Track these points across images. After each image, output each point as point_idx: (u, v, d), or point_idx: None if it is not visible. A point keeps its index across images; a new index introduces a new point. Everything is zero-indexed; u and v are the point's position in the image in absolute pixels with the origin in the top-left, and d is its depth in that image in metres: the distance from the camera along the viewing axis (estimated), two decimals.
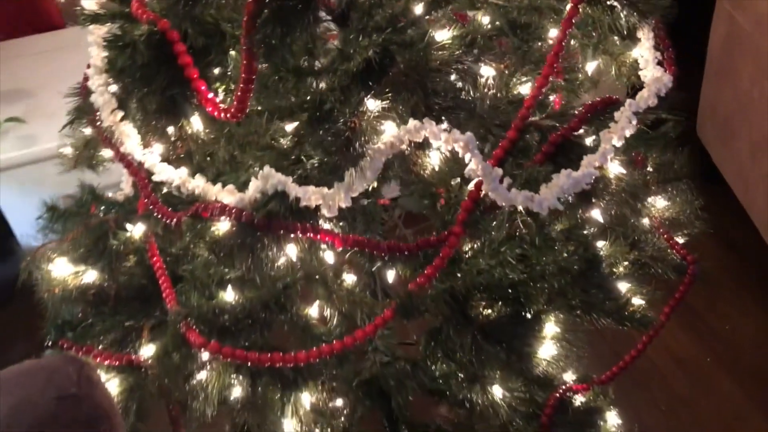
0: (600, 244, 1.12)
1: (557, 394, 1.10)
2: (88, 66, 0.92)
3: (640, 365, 1.60)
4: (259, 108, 0.89)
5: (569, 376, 1.15)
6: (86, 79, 0.99)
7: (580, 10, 0.91)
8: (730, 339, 1.69)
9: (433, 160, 0.83)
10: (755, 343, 1.67)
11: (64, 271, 1.09)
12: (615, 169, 0.98)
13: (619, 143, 0.89)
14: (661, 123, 1.14)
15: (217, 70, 0.86)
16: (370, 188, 0.88)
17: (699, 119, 1.97)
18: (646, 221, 1.16)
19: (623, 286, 1.11)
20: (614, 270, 1.13)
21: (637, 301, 1.10)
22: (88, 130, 1.10)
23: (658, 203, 1.13)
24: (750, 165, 1.69)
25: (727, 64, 1.78)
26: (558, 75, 1.11)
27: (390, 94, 0.74)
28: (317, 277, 1.01)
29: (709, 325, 1.71)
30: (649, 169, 1.16)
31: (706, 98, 1.91)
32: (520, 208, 0.92)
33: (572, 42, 1.10)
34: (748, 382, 1.59)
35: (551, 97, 1.12)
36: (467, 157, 0.74)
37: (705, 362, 1.64)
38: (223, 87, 0.85)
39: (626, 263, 1.14)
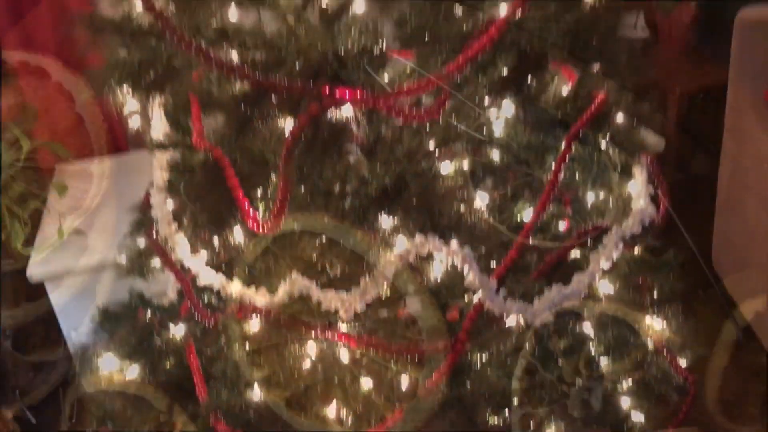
0: (604, 361, 1.19)
1: None
2: (151, 185, 1.08)
3: None
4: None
5: None
6: (147, 196, 1.16)
7: (573, 148, 1.04)
8: None
9: (436, 272, 0.94)
10: None
11: (110, 366, 1.20)
12: (605, 288, 1.08)
13: (606, 265, 1.00)
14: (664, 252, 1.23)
15: (259, 191, 1.01)
16: (388, 299, 1.00)
17: (714, 250, 2.05)
18: (650, 342, 1.23)
19: (625, 402, 1.17)
20: (617, 386, 1.19)
21: (637, 416, 1.16)
22: (141, 242, 1.25)
23: (656, 324, 1.21)
24: (759, 293, 1.76)
25: (734, 198, 1.90)
26: (566, 204, 1.24)
27: (401, 214, 0.87)
28: (336, 380, 1.10)
29: None
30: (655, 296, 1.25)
31: (718, 229, 2.01)
32: (521, 322, 1.03)
33: (576, 175, 1.21)
34: None
35: (561, 224, 1.23)
36: (465, 269, 0.86)
37: None
38: (263, 205, 1.00)
39: (630, 381, 1.20)
